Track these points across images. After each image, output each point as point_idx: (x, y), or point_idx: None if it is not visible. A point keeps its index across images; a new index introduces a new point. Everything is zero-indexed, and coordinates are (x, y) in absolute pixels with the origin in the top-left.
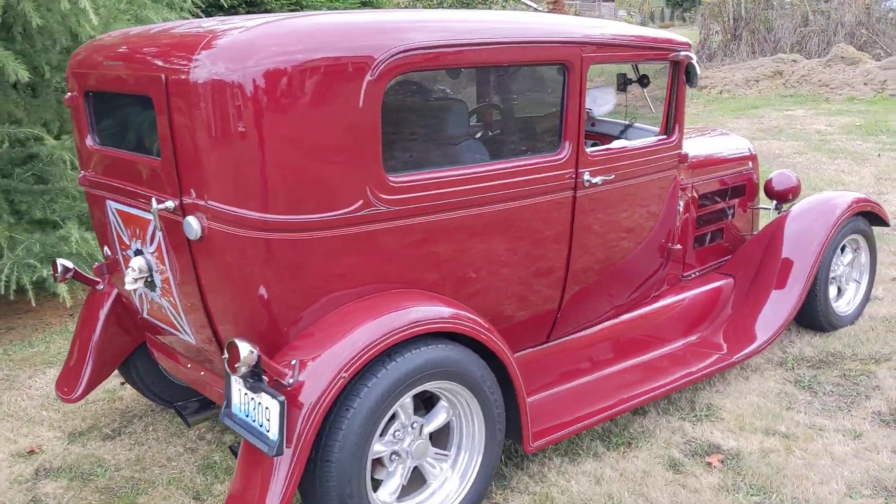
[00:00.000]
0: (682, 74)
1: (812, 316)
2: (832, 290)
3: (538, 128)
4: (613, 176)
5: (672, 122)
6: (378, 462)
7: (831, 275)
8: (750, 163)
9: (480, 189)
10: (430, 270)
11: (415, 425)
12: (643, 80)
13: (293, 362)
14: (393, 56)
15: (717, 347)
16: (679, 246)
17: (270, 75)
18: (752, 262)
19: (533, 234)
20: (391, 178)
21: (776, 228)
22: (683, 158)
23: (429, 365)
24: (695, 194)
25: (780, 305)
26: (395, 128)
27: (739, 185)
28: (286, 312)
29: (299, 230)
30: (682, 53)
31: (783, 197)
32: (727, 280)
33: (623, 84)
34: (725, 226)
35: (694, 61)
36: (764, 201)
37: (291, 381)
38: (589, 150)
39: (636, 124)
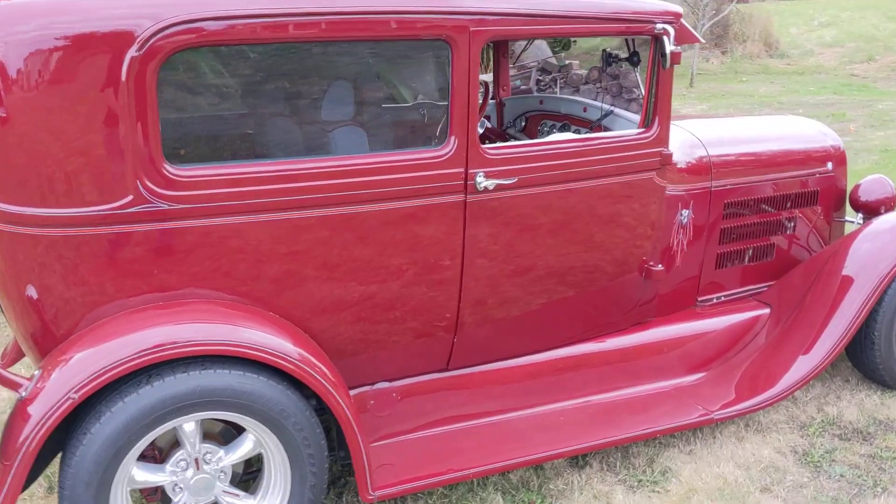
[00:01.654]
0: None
1: (870, 365)
2: None
3: (411, 118)
4: (516, 179)
5: (651, 112)
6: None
7: None
8: (829, 163)
9: (315, 188)
10: (252, 281)
11: (207, 456)
12: (633, 58)
13: (35, 373)
14: (166, 28)
15: (714, 395)
16: (661, 267)
17: (11, 52)
18: (799, 290)
19: (410, 245)
20: (175, 171)
21: (838, 249)
22: (667, 159)
23: (197, 393)
24: (717, 202)
25: (816, 348)
26: (187, 112)
27: (806, 191)
28: (58, 316)
29: (52, 226)
30: (660, 26)
31: (873, 209)
32: (760, 310)
33: (607, 61)
34: (778, 241)
35: (667, 37)
36: (851, 213)
37: (24, 393)
38: (488, 147)
39: (620, 111)
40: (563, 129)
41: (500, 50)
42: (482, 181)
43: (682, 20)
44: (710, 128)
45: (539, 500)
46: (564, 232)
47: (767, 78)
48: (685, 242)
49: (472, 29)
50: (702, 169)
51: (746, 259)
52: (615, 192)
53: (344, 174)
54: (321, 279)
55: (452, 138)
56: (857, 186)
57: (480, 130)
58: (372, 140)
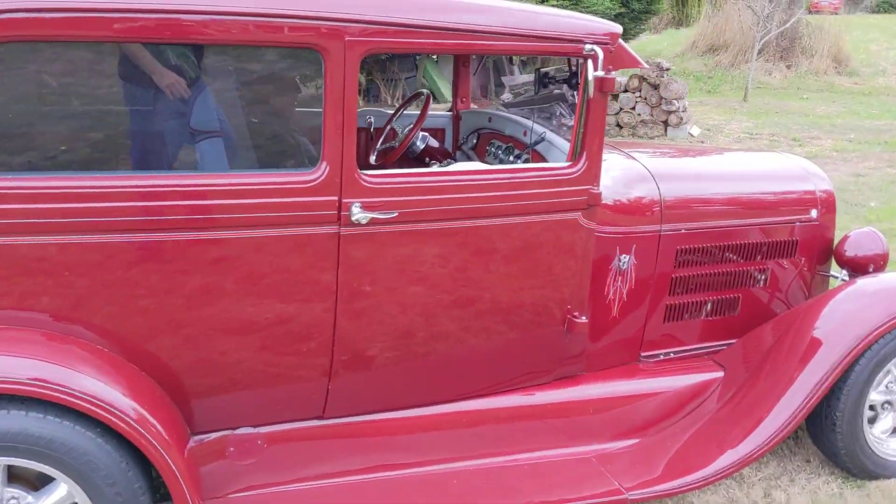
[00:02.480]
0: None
1: (832, 448)
2: (887, 421)
3: (281, 136)
4: (396, 214)
5: (580, 145)
6: None
7: (877, 397)
8: (813, 210)
9: (159, 210)
10: (84, 309)
11: (12, 502)
12: (571, 80)
13: None
14: None
15: (636, 468)
16: (584, 319)
17: None
18: (761, 351)
19: (275, 279)
20: None
21: (810, 307)
22: (595, 199)
23: None
24: (668, 248)
25: (766, 422)
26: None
27: (782, 240)
28: None
29: None
30: (589, 47)
31: (860, 267)
32: (713, 372)
33: (541, 83)
34: (746, 295)
35: (593, 61)
36: (837, 268)
37: None
38: (368, 174)
39: (554, 139)
40: (506, 151)
41: (460, 57)
42: (357, 213)
43: (621, 41)
44: (668, 161)
45: None
46: (459, 276)
47: (830, 97)
48: (624, 291)
49: (347, 38)
50: (650, 209)
51: (704, 313)
52: (529, 233)
53: (195, 195)
54: (168, 309)
55: (324, 162)
56: (844, 238)
57: (421, 145)
58: (235, 157)
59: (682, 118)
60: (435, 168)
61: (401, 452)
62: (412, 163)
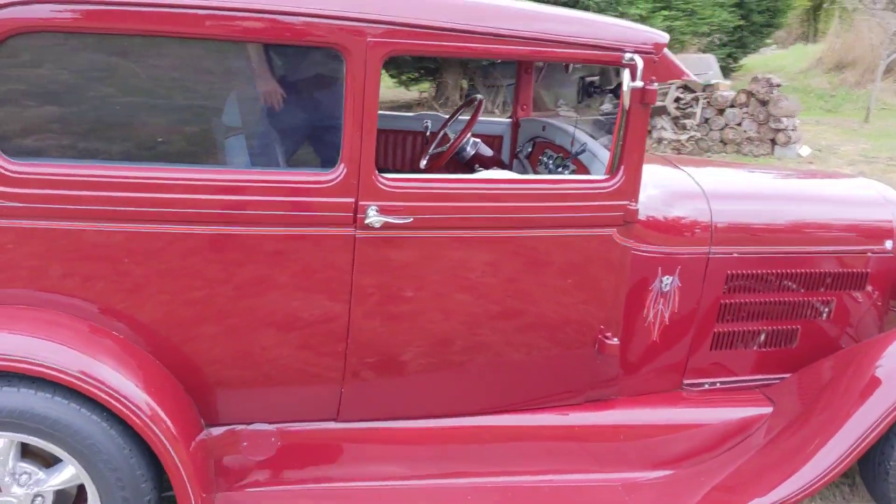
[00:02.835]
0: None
1: (884, 500)
2: None
3: (302, 136)
4: (412, 219)
5: (618, 159)
6: None
7: None
8: (889, 241)
9: (182, 202)
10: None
11: (23, 478)
12: (617, 90)
13: None
14: None
15: (665, 500)
16: (615, 341)
17: None
18: (817, 388)
19: (289, 277)
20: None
21: (875, 344)
22: (632, 215)
23: None
24: (717, 271)
25: (813, 462)
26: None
27: (850, 271)
28: None
29: None
30: (629, 56)
31: None
32: (761, 407)
33: (585, 91)
34: (806, 327)
35: (631, 71)
36: None
37: None
38: (387, 177)
39: (597, 150)
40: (556, 161)
41: (522, 64)
42: (372, 216)
43: (667, 51)
44: (725, 178)
45: None
46: (477, 288)
47: None
48: (666, 315)
49: (369, 39)
50: (698, 229)
51: (757, 343)
52: (557, 248)
53: (216, 190)
54: (185, 302)
55: (342, 164)
56: None
57: (471, 151)
58: (257, 155)
59: (790, 137)
60: (456, 175)
61: (416, 462)
62: (464, 169)
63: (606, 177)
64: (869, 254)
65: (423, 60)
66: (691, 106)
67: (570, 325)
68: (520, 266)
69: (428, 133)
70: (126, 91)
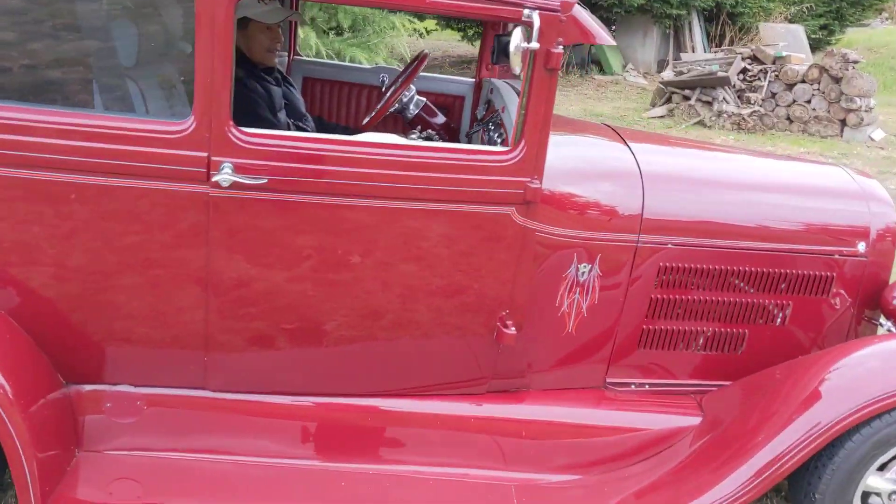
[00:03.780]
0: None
1: None
2: None
3: (154, 81)
4: (266, 180)
5: (520, 130)
6: None
7: (883, 485)
8: (861, 242)
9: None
10: None
11: None
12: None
13: None
14: None
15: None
16: (513, 330)
17: None
18: (752, 400)
19: (140, 233)
20: None
21: (821, 358)
22: (534, 194)
23: None
24: (646, 262)
25: (723, 485)
26: None
27: (812, 274)
28: None
29: None
30: (527, 12)
31: None
32: (685, 417)
33: (501, 50)
34: (756, 332)
35: (530, 29)
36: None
37: None
38: (243, 132)
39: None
40: (492, 128)
41: (487, 22)
42: (224, 174)
43: (578, 10)
44: (674, 158)
45: None
46: (347, 263)
47: None
48: (584, 305)
49: None
50: (624, 214)
51: (696, 346)
52: (444, 225)
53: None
54: (35, 253)
55: (193, 114)
56: (893, 285)
57: (415, 111)
58: (107, 98)
59: (862, 118)
60: (319, 135)
61: (288, 441)
62: (408, 129)
63: (505, 149)
64: (836, 255)
65: None
66: (759, 78)
67: (460, 309)
68: (398, 242)
69: (383, 89)
70: None
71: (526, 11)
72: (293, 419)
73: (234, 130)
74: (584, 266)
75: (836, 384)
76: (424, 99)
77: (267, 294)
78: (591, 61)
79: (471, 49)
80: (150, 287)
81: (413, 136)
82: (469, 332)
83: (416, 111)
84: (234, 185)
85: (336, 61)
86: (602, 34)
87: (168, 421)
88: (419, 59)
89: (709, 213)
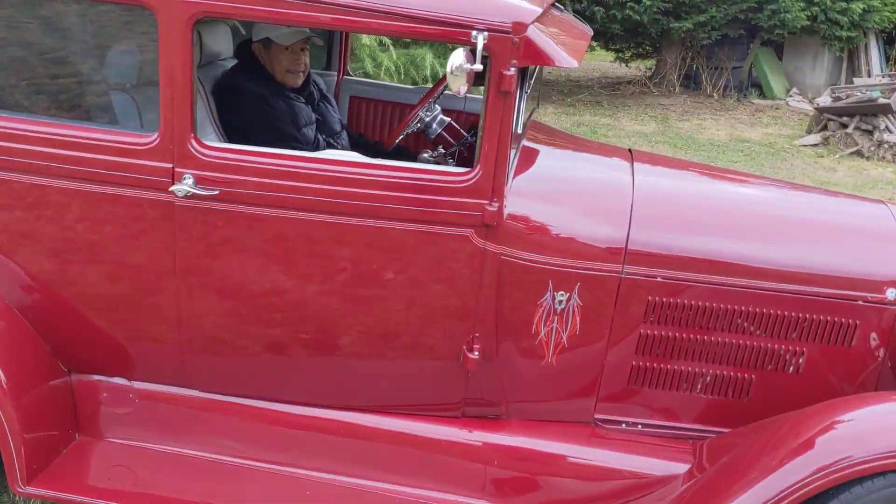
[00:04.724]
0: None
1: None
2: None
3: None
4: (217, 192)
5: (479, 149)
6: None
7: None
8: (890, 289)
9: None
10: None
11: None
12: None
13: None
14: None
15: None
16: (476, 354)
17: None
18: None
19: (112, 239)
20: None
21: (829, 407)
22: (492, 217)
23: None
24: (633, 294)
25: None
26: None
27: (830, 320)
28: None
29: None
30: (474, 34)
31: None
32: (673, 462)
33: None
34: (758, 377)
35: (472, 49)
36: None
37: None
38: (207, 144)
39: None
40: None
41: None
42: (182, 185)
43: (533, 31)
44: (681, 183)
45: None
46: (292, 276)
47: None
48: (564, 335)
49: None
50: (604, 243)
51: (697, 388)
52: (400, 245)
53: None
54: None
55: (160, 127)
56: None
57: (438, 129)
58: (79, 110)
59: None
60: (272, 150)
61: (262, 444)
62: (432, 148)
63: (462, 171)
64: (860, 301)
65: (639, 36)
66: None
67: (422, 330)
68: (354, 258)
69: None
70: None
71: (473, 33)
72: (267, 424)
73: (194, 143)
74: (562, 294)
75: (848, 433)
76: (448, 119)
77: (231, 305)
78: (751, 84)
79: (627, 70)
80: (127, 289)
81: (425, 155)
82: (433, 355)
83: (439, 130)
84: (191, 196)
85: (383, 81)
86: (562, 56)
87: (158, 415)
88: (442, 78)
89: (709, 246)
